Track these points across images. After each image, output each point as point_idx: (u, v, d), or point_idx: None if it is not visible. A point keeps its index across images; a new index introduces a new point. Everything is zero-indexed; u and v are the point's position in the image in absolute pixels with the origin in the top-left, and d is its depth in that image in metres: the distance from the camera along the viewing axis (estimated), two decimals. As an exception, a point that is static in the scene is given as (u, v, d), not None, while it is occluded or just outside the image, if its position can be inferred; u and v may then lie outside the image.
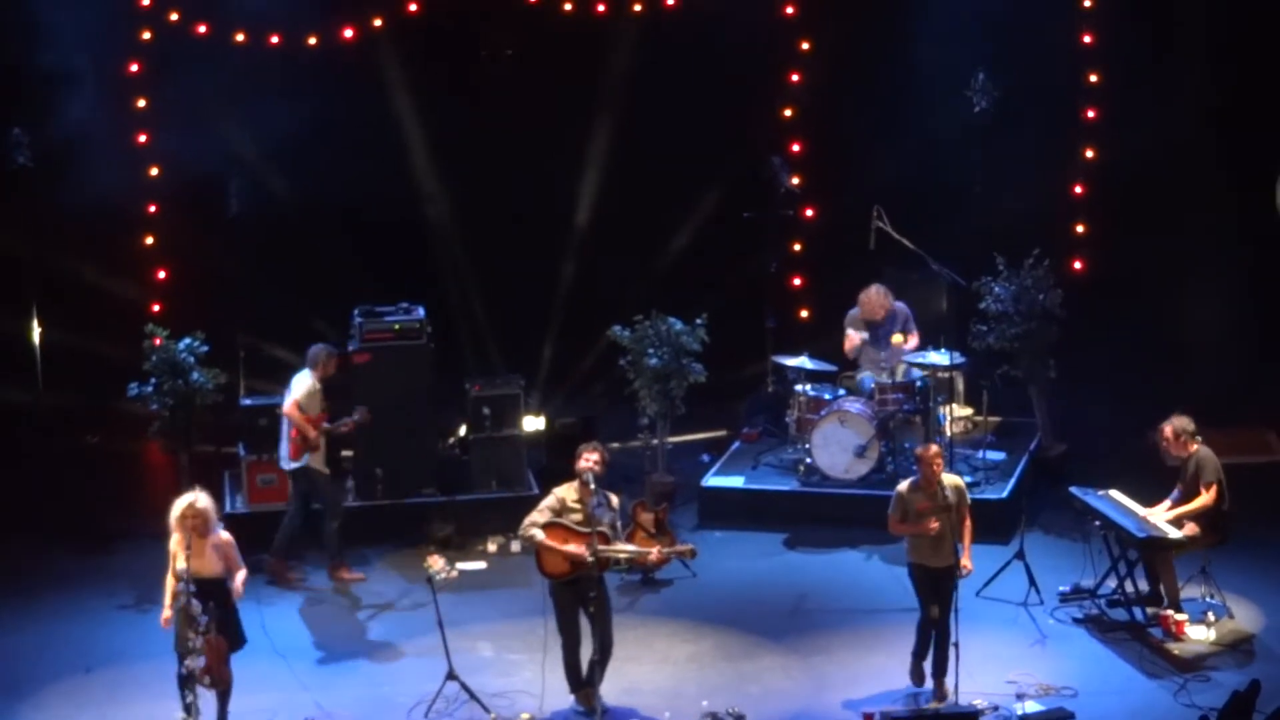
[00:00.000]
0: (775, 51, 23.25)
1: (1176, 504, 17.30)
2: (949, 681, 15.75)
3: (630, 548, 16.39)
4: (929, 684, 16.01)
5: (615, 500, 15.98)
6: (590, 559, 15.51)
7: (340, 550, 18.88)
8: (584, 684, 15.86)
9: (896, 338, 20.37)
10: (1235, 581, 17.61)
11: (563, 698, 15.95)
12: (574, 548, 15.55)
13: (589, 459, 15.74)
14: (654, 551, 16.37)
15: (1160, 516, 17.21)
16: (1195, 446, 17.27)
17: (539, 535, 15.64)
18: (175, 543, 15.22)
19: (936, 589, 15.92)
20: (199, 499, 15.26)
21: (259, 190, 21.92)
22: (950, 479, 16.21)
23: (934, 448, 16.18)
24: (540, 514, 15.75)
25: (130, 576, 18.43)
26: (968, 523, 16.08)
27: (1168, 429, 17.32)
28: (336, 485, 19.35)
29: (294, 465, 18.79)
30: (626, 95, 22.76)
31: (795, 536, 19.66)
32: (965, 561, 15.93)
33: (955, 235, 21.23)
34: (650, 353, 20.17)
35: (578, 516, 15.69)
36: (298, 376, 18.88)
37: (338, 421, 18.97)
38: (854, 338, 20.52)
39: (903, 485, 16.28)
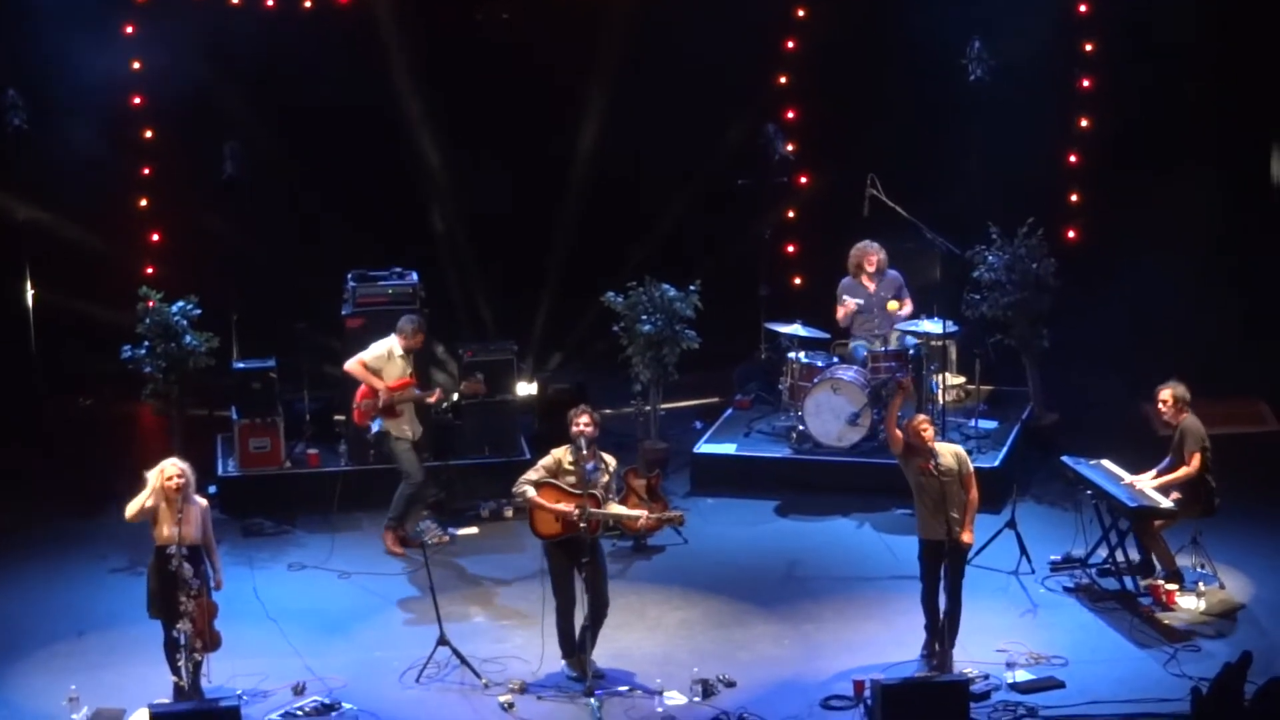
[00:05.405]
0: (771, 18, 23.20)
1: (1163, 472, 17.32)
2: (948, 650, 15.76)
3: (620, 510, 16.40)
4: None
5: (613, 463, 16.02)
6: (577, 517, 15.55)
7: (401, 518, 18.48)
8: (576, 649, 15.89)
9: (892, 304, 20.37)
10: (1226, 552, 17.62)
11: (556, 663, 15.98)
12: (563, 507, 15.61)
13: (580, 423, 15.80)
14: (643, 517, 16.44)
15: (1147, 484, 17.24)
16: (1185, 415, 17.29)
17: (531, 493, 15.70)
18: (150, 506, 15.11)
19: (944, 561, 15.74)
20: (183, 464, 15.29)
21: (253, 153, 21.85)
22: (949, 447, 16.18)
23: (919, 418, 16.13)
24: (535, 472, 15.82)
25: (123, 540, 18.33)
26: (973, 494, 15.90)
27: (1167, 394, 17.29)
28: (415, 454, 18.55)
29: (375, 430, 18.51)
30: (622, 61, 22.67)
31: (787, 504, 19.68)
32: (965, 535, 15.80)
33: (949, 203, 21.23)
34: (644, 319, 20.18)
35: (572, 479, 15.74)
36: (380, 340, 18.66)
37: (424, 390, 18.61)
38: (849, 304, 20.48)
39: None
